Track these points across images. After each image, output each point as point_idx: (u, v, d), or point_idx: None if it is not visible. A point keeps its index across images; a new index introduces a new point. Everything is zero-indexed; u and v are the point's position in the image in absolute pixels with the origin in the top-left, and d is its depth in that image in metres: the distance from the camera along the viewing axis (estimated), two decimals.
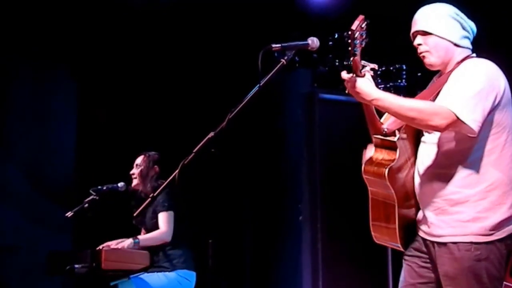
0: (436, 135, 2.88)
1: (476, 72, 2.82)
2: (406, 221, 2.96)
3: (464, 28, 2.94)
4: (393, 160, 2.89)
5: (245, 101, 2.77)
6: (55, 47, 6.14)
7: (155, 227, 4.83)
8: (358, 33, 2.70)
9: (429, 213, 2.90)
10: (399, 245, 2.97)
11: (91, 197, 4.77)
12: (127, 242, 4.68)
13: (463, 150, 2.82)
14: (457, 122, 2.72)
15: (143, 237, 4.84)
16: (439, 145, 2.87)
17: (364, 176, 2.97)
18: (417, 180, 2.94)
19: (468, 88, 2.76)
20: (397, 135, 2.93)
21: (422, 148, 2.96)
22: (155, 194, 2.96)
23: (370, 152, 3.00)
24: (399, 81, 6.00)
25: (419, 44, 2.95)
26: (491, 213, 2.79)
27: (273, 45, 2.81)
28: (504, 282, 2.88)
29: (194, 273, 4.83)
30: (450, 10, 2.94)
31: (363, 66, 2.82)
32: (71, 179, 6.16)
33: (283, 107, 6.41)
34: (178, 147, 3.53)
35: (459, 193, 2.81)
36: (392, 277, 5.97)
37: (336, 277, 5.96)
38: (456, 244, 2.81)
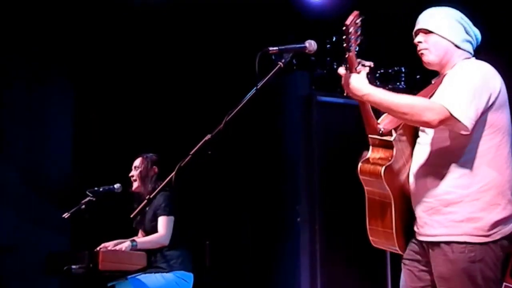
0: (430, 135, 2.88)
1: (471, 71, 2.83)
2: (404, 223, 2.95)
3: (467, 32, 2.95)
4: (389, 159, 2.89)
5: (242, 104, 2.77)
6: (51, 48, 6.14)
7: (154, 229, 4.82)
8: (352, 28, 2.70)
9: (422, 213, 2.89)
10: (397, 248, 2.96)
11: (87, 198, 4.77)
12: (125, 245, 4.67)
13: (456, 150, 2.82)
14: (450, 118, 2.71)
15: (141, 240, 4.83)
16: (432, 144, 2.87)
17: (360, 176, 2.97)
18: (411, 180, 2.94)
19: (462, 85, 2.76)
20: (394, 135, 2.93)
21: (417, 149, 2.96)
22: (151, 196, 2.96)
23: (368, 153, 3.01)
24: (398, 83, 6.01)
25: (420, 42, 2.96)
26: (485, 214, 2.78)
27: (270, 48, 2.81)
28: (505, 283, 2.86)
29: (191, 274, 4.82)
30: (455, 13, 2.96)
31: (359, 64, 2.83)
32: (68, 179, 6.15)
33: (281, 109, 6.41)
34: (175, 149, 3.53)
35: (453, 193, 2.81)
36: (391, 278, 5.96)
37: (334, 278, 5.96)
38: (450, 244, 2.80)
